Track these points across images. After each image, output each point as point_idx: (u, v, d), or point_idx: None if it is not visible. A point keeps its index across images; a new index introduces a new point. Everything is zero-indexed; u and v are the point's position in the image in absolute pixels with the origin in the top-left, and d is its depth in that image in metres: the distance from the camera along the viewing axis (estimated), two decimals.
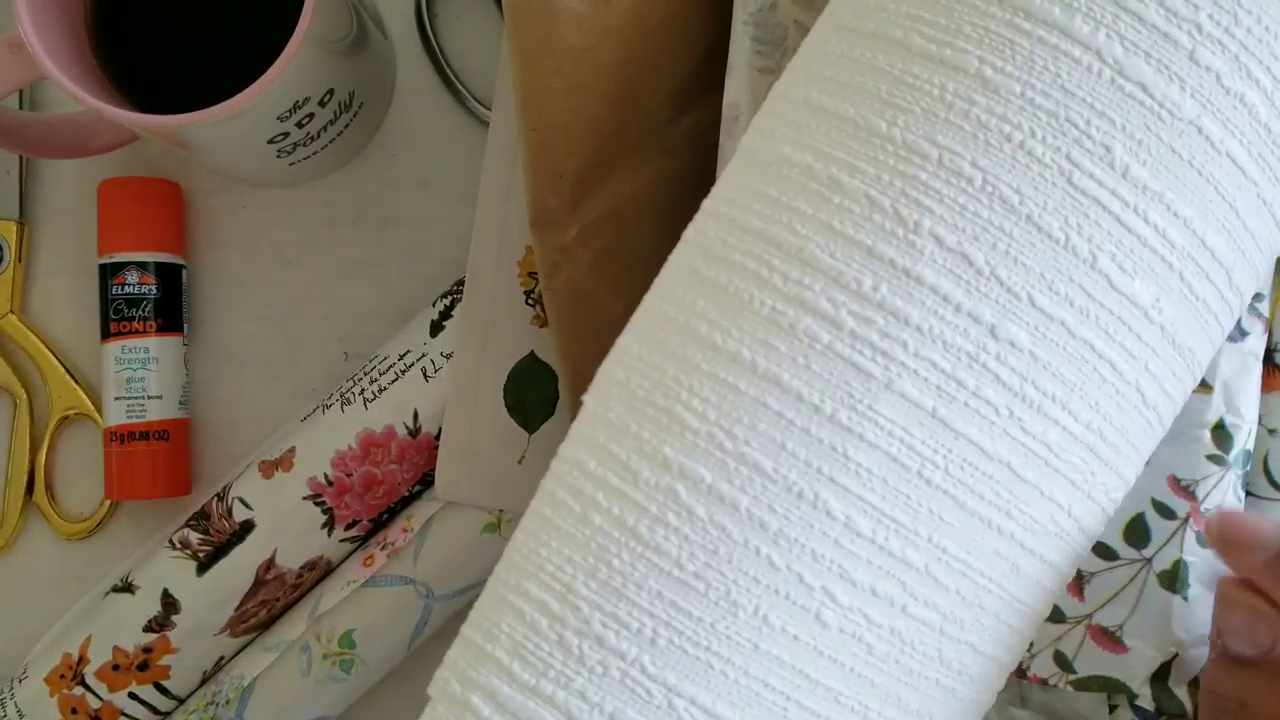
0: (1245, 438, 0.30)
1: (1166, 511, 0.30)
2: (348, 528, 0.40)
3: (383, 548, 0.39)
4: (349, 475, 0.39)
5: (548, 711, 0.22)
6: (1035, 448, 0.23)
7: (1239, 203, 0.23)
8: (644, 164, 0.28)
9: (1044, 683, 0.32)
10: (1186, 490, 0.30)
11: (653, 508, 0.23)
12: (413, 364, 0.39)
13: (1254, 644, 0.25)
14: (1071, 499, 0.24)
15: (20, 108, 0.43)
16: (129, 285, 0.41)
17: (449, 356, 0.39)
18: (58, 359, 0.43)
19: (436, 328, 0.39)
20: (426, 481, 0.40)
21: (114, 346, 0.41)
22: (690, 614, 0.22)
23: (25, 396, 0.43)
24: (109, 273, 0.41)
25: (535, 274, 0.38)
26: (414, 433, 0.39)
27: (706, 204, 0.25)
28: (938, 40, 0.23)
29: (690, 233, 0.25)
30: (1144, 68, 0.22)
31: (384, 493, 0.39)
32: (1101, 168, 0.22)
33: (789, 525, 0.22)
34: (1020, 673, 0.32)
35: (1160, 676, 0.30)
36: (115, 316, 0.41)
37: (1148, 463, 0.31)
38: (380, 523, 0.41)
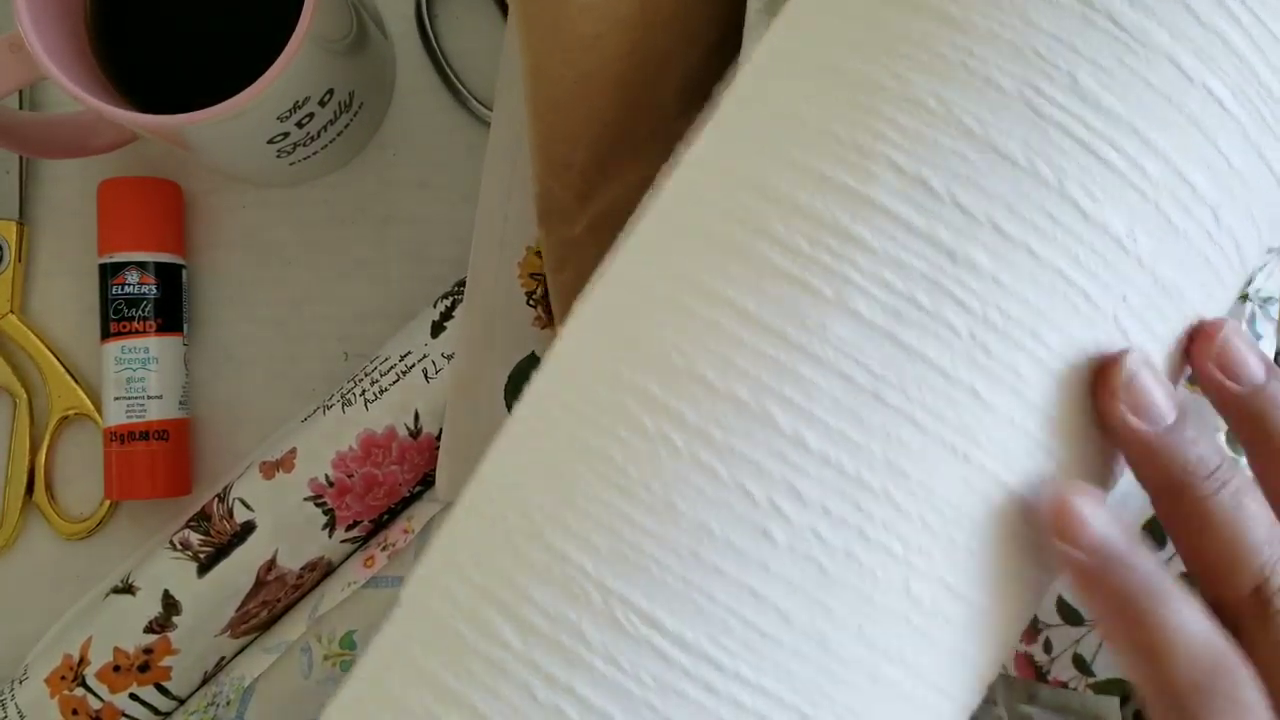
0: None
1: None
2: (348, 528, 0.40)
3: (383, 549, 0.39)
4: (350, 476, 0.39)
5: (496, 611, 0.23)
6: (1003, 374, 0.22)
7: (1221, 140, 0.23)
8: (653, 157, 0.29)
9: (1064, 685, 0.31)
10: None
11: (604, 421, 0.23)
12: (414, 365, 0.39)
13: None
14: (1048, 433, 0.23)
15: (20, 108, 0.43)
16: (129, 285, 0.41)
17: (450, 357, 0.39)
18: (58, 359, 0.43)
19: (437, 329, 0.39)
20: (427, 482, 0.40)
21: (114, 346, 0.41)
22: (631, 518, 0.22)
23: (25, 396, 0.43)
24: (109, 273, 0.41)
25: (536, 275, 0.38)
26: (415, 433, 0.39)
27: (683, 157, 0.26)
28: None
29: (662, 181, 0.26)
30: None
31: (385, 493, 0.39)
32: (1066, 95, 0.22)
33: (733, 437, 0.22)
34: (1041, 676, 0.32)
35: None
36: (115, 316, 0.41)
37: None
38: (381, 523, 0.41)
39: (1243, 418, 0.24)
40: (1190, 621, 0.22)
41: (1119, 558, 0.23)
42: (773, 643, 0.22)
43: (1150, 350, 0.23)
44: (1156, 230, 0.23)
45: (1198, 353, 0.24)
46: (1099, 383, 0.23)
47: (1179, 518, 0.24)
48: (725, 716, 0.22)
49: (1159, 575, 0.23)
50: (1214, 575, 0.24)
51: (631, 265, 0.25)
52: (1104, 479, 0.25)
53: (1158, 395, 0.23)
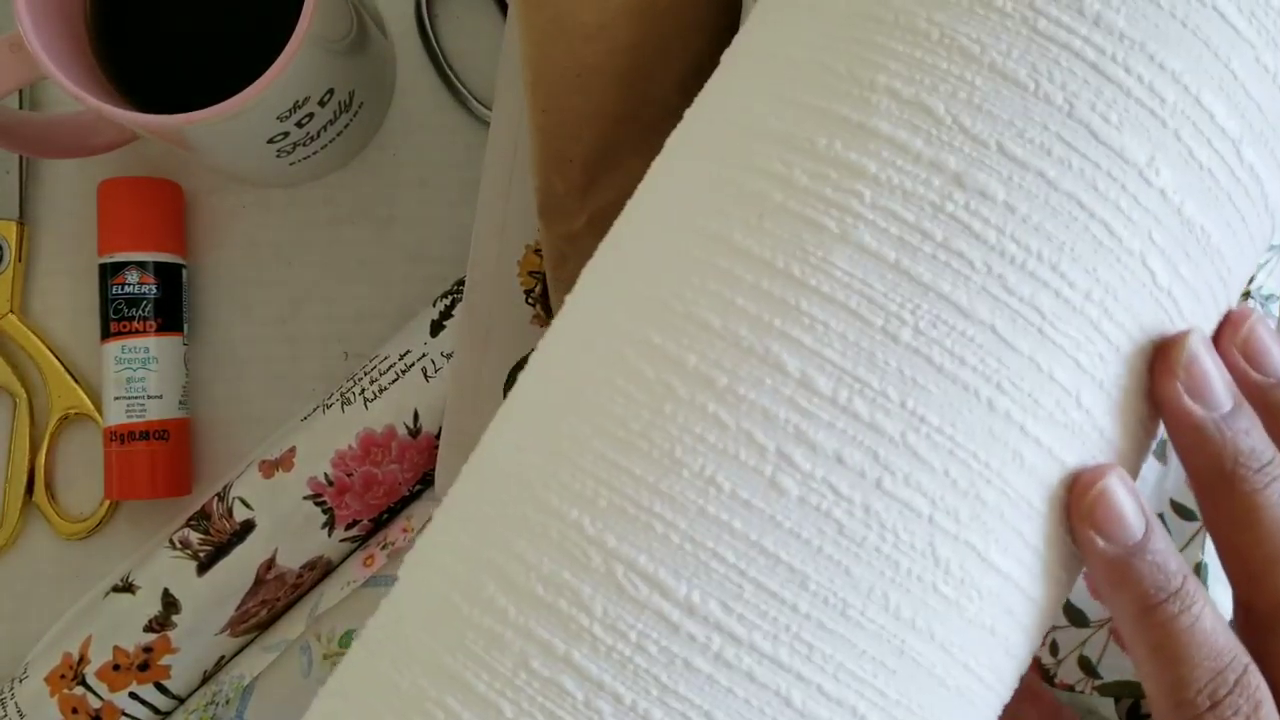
0: None
1: (1186, 513, 0.29)
2: (348, 527, 0.40)
3: (383, 548, 0.39)
4: (349, 475, 0.39)
5: (489, 577, 0.22)
6: (1024, 311, 0.21)
7: (1234, 63, 0.21)
8: (655, 152, 0.28)
9: (1071, 689, 0.31)
10: None
11: (602, 372, 0.22)
12: (413, 364, 0.39)
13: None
14: (1079, 384, 0.21)
15: (20, 108, 0.43)
16: (129, 285, 0.41)
17: (449, 356, 0.39)
18: (58, 359, 0.43)
19: (437, 328, 0.39)
20: (427, 481, 0.40)
21: (114, 346, 0.41)
22: (631, 473, 0.21)
23: (25, 396, 0.43)
24: (109, 272, 0.41)
25: (535, 273, 0.38)
26: (414, 432, 0.39)
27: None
28: None
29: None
30: None
31: (384, 492, 0.39)
32: (1069, 15, 0.21)
33: (737, 381, 0.21)
34: (1048, 678, 0.32)
35: None
36: (115, 316, 0.41)
37: (1166, 463, 0.31)
38: (380, 522, 0.41)
39: (1265, 409, 0.23)
40: (1212, 629, 0.22)
41: (1146, 552, 0.22)
42: (789, 610, 0.21)
43: (1178, 295, 0.22)
44: (1178, 161, 0.21)
45: (1224, 338, 0.23)
46: (1157, 359, 0.22)
47: (1223, 510, 0.23)
48: (737, 692, 0.21)
49: (1184, 575, 0.22)
50: (1251, 576, 0.23)
51: (628, 221, 0.24)
52: (1136, 457, 0.23)
53: (1216, 380, 0.22)
